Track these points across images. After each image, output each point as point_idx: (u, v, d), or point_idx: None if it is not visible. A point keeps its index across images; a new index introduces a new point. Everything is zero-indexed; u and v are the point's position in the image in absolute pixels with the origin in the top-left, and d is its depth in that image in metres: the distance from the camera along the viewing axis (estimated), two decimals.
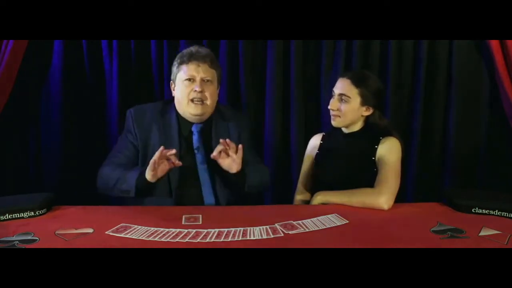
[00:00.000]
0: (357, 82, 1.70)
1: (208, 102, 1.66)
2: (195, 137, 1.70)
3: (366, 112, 1.73)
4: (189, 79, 1.64)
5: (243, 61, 2.30)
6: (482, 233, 1.33)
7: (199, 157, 1.69)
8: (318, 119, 2.35)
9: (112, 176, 1.61)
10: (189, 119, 1.69)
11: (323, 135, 1.88)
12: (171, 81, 1.73)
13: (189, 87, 1.63)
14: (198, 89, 1.62)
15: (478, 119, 2.29)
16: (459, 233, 1.33)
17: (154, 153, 1.53)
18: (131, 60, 2.30)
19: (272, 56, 2.29)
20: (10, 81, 2.17)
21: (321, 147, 1.85)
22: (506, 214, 1.47)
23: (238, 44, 2.29)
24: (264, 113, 2.35)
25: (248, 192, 1.68)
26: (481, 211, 1.50)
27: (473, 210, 1.51)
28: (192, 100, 1.64)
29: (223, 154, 1.58)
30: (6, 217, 1.45)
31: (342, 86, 1.71)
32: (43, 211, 1.50)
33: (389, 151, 1.68)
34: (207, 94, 1.64)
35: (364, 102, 1.71)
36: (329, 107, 1.73)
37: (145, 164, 1.59)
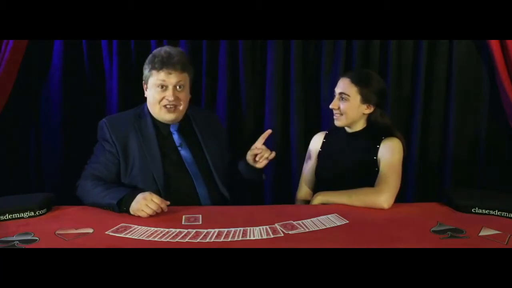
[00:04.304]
0: (357, 80, 1.72)
1: (181, 107, 1.69)
2: (175, 136, 1.74)
3: (367, 110, 1.74)
4: (161, 86, 1.64)
5: (243, 61, 2.30)
6: (482, 233, 1.33)
7: (183, 153, 1.72)
8: (318, 119, 2.34)
9: (93, 193, 1.57)
10: (163, 122, 1.72)
11: (326, 133, 1.89)
12: (143, 82, 1.72)
13: (162, 94, 1.65)
14: (171, 98, 1.64)
15: (478, 119, 2.29)
16: (459, 233, 1.33)
17: (134, 158, 1.63)
18: (131, 60, 2.30)
19: (272, 56, 2.28)
20: (10, 81, 2.17)
21: (323, 145, 1.86)
22: (506, 214, 1.48)
23: (238, 44, 2.29)
24: (264, 113, 2.35)
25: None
26: (481, 211, 1.51)
27: (473, 210, 1.52)
28: (165, 106, 1.66)
29: (258, 157, 1.66)
30: (6, 217, 1.45)
31: (342, 85, 1.74)
32: (43, 211, 1.50)
33: (390, 150, 1.69)
34: (180, 100, 1.67)
35: (364, 100, 1.72)
36: (330, 106, 1.75)
37: (127, 171, 1.65)
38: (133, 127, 1.69)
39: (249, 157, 1.69)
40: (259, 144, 1.66)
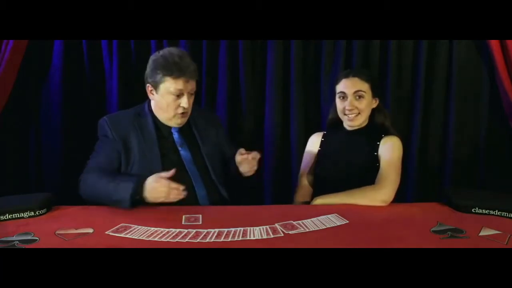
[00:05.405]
0: (365, 77, 1.76)
1: (189, 111, 1.70)
2: (175, 136, 1.73)
3: (375, 104, 1.80)
4: (177, 95, 1.63)
5: (243, 61, 2.30)
6: (482, 233, 1.33)
7: (184, 153, 1.72)
8: (318, 119, 2.35)
9: (100, 184, 1.54)
10: (171, 125, 1.72)
11: (324, 133, 1.89)
12: (148, 85, 1.68)
13: (177, 102, 1.64)
14: (186, 105, 1.63)
15: (478, 119, 2.30)
16: (459, 233, 1.33)
17: (135, 156, 1.63)
18: (131, 60, 2.30)
19: (272, 56, 2.29)
20: (10, 81, 2.17)
21: (322, 144, 1.86)
22: (506, 214, 1.47)
23: (238, 44, 2.29)
24: (264, 113, 2.35)
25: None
26: (481, 211, 1.51)
27: (473, 210, 1.51)
28: (179, 113, 1.66)
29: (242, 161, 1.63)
30: (6, 217, 1.45)
31: (353, 84, 1.74)
32: (43, 211, 1.50)
33: (390, 148, 1.71)
34: (191, 105, 1.68)
35: (374, 94, 1.78)
36: (347, 108, 1.74)
37: (127, 168, 1.64)
38: (133, 125, 1.69)
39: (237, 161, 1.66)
40: (242, 150, 1.63)
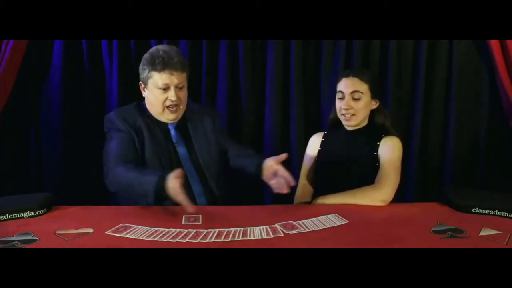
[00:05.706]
0: (364, 78, 1.76)
1: (182, 106, 1.70)
2: (172, 133, 1.74)
3: (374, 105, 1.79)
4: (163, 88, 1.64)
5: (243, 61, 2.30)
6: (482, 233, 1.33)
7: (180, 150, 1.73)
8: (318, 119, 2.35)
9: (129, 176, 1.50)
10: (164, 121, 1.72)
11: (324, 133, 1.90)
12: (140, 82, 1.71)
13: (164, 95, 1.65)
14: (173, 98, 1.64)
15: (478, 119, 2.30)
16: (459, 233, 1.33)
17: (146, 144, 1.64)
18: (131, 60, 2.30)
19: (272, 56, 2.29)
20: (10, 81, 2.17)
21: (322, 144, 1.87)
22: (506, 214, 1.47)
23: (238, 44, 2.29)
24: (264, 113, 2.35)
25: None
26: (481, 211, 1.51)
27: (473, 210, 1.51)
28: (167, 107, 1.66)
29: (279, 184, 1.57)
30: (6, 217, 1.45)
31: (352, 84, 1.74)
32: (43, 211, 1.50)
33: (390, 148, 1.72)
34: (181, 99, 1.67)
35: (373, 96, 1.77)
36: (343, 107, 1.74)
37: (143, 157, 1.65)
38: (139, 117, 1.69)
39: (267, 172, 1.62)
40: (282, 171, 1.57)
